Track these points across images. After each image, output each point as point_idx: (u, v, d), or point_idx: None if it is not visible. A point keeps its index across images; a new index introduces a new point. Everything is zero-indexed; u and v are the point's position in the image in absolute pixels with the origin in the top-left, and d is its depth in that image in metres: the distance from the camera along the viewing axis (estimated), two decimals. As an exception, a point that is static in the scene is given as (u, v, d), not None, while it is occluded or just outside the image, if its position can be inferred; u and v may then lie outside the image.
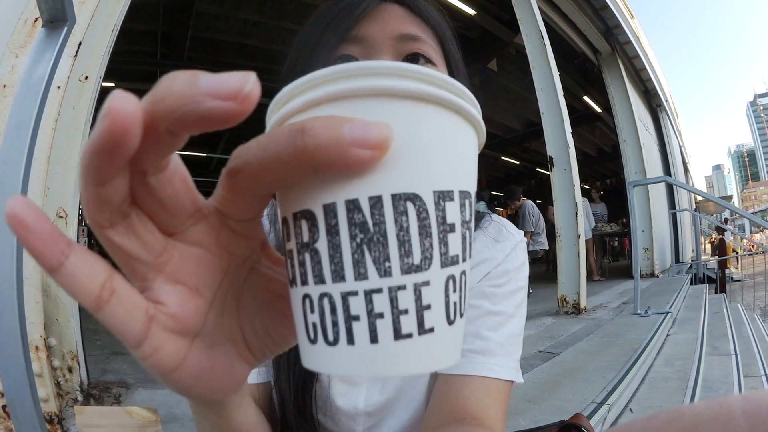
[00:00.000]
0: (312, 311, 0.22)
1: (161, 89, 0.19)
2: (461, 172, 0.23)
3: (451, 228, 0.22)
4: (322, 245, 0.21)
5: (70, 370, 2.11)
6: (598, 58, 8.11)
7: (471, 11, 7.25)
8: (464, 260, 0.23)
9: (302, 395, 0.62)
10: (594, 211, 8.35)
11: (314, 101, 0.21)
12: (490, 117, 12.62)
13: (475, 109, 0.23)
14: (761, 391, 0.13)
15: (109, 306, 0.21)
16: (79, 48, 2.10)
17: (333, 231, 0.21)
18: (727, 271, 8.74)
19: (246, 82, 0.18)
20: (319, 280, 0.21)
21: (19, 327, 1.04)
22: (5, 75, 1.87)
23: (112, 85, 7.94)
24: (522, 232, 0.72)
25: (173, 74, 0.19)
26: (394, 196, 0.20)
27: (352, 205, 0.20)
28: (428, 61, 0.58)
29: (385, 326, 0.21)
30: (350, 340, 0.21)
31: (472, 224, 0.24)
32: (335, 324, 0.21)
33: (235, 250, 0.26)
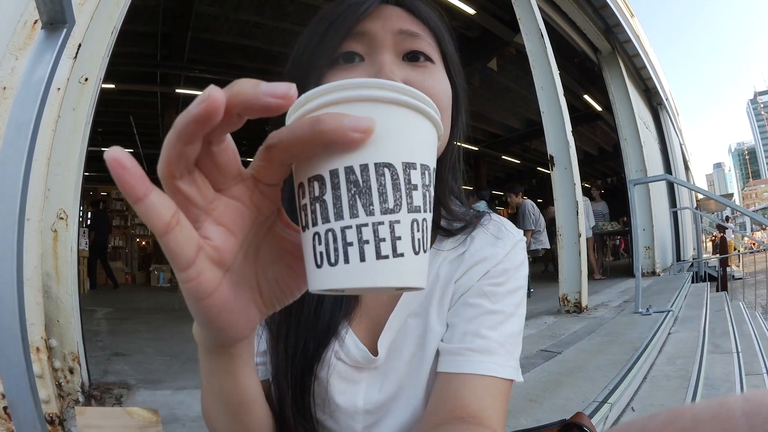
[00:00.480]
0: (320, 243, 0.31)
1: (236, 89, 0.28)
2: (422, 151, 0.32)
3: (415, 187, 0.31)
4: (328, 197, 0.31)
5: (71, 371, 2.11)
6: (599, 57, 8.11)
7: (471, 11, 7.26)
8: (425, 211, 0.32)
9: (301, 393, 0.62)
10: (595, 209, 8.36)
11: (326, 104, 0.31)
12: (491, 116, 12.63)
13: (432, 110, 0.33)
14: (761, 391, 0.13)
15: (174, 232, 0.29)
16: (78, 50, 2.10)
17: (336, 187, 0.30)
18: (728, 269, 8.73)
19: (290, 89, 0.28)
20: (326, 220, 0.31)
21: (20, 328, 1.04)
22: (5, 77, 1.87)
23: (113, 86, 7.98)
24: (521, 232, 0.72)
25: (242, 80, 0.28)
26: (376, 164, 0.30)
27: (349, 170, 0.30)
28: (427, 59, 0.60)
29: (370, 249, 0.30)
30: (346, 260, 0.30)
31: (432, 188, 0.34)
32: (336, 250, 0.30)
33: (261, 207, 0.34)
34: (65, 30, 1.10)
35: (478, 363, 0.59)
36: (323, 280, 0.31)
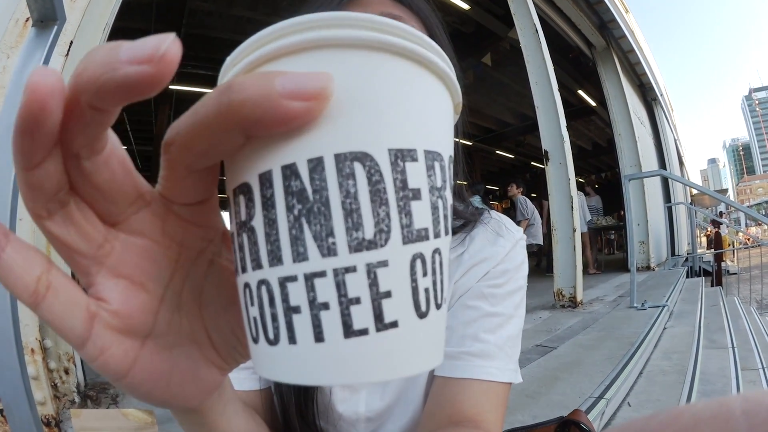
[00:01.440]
0: (252, 303, 0.19)
1: (83, 62, 0.17)
2: (427, 129, 0.19)
3: (415, 195, 0.18)
4: (258, 222, 0.18)
5: (66, 371, 2.10)
6: (593, 53, 8.12)
7: (465, 6, 7.24)
8: (437, 236, 0.19)
9: (304, 402, 0.61)
10: (589, 204, 8.39)
11: (255, 62, 0.19)
12: (485, 111, 12.64)
13: (441, 60, 0.20)
14: (760, 391, 0.13)
15: (46, 301, 0.20)
16: (70, 47, 2.08)
17: (268, 204, 0.18)
18: (723, 264, 8.78)
19: (162, 43, 0.17)
20: (257, 264, 0.19)
21: (13, 330, 1.04)
22: (-3, 75, 1.85)
23: (106, 84, 7.93)
24: (521, 230, 0.71)
25: (97, 47, 0.18)
26: (337, 156, 0.17)
27: (289, 171, 0.18)
28: None
29: (331, 320, 0.17)
30: (291, 338, 0.18)
31: (448, 192, 0.21)
32: (274, 318, 0.18)
33: (184, 240, 0.24)
34: (56, 27, 1.09)
35: (477, 368, 0.58)
36: (263, 363, 0.19)
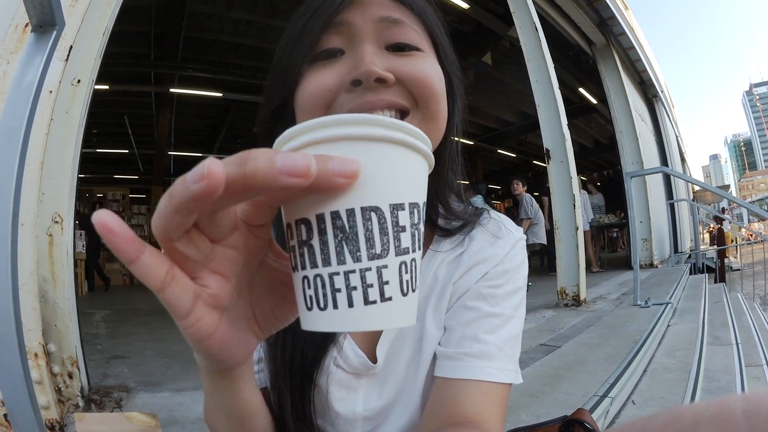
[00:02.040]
0: (309, 287, 0.32)
1: (250, 169, 0.26)
2: (410, 189, 0.32)
3: (403, 229, 0.32)
4: (315, 242, 0.31)
5: (70, 375, 2.10)
6: (593, 50, 8.12)
7: (464, 5, 7.26)
8: (414, 251, 0.33)
9: (301, 400, 0.61)
10: (591, 202, 8.38)
11: (309, 143, 0.31)
12: (486, 110, 12.67)
13: (422, 143, 0.33)
14: (761, 392, 0.13)
15: (170, 287, 0.30)
16: (70, 52, 2.09)
17: (322, 232, 0.31)
18: (726, 260, 8.76)
19: (311, 163, 0.27)
20: (314, 265, 0.31)
21: (16, 334, 1.04)
22: (-3, 81, 1.85)
23: (106, 87, 7.96)
24: (521, 230, 0.71)
25: (257, 155, 0.26)
26: (362, 209, 0.30)
27: (335, 215, 0.30)
28: (414, 48, 0.56)
29: (358, 296, 0.31)
30: (335, 306, 0.31)
31: (421, 225, 0.34)
32: (325, 295, 0.31)
33: (252, 248, 0.35)
34: (55, 32, 1.09)
35: (477, 368, 0.58)
36: (314, 322, 0.32)
